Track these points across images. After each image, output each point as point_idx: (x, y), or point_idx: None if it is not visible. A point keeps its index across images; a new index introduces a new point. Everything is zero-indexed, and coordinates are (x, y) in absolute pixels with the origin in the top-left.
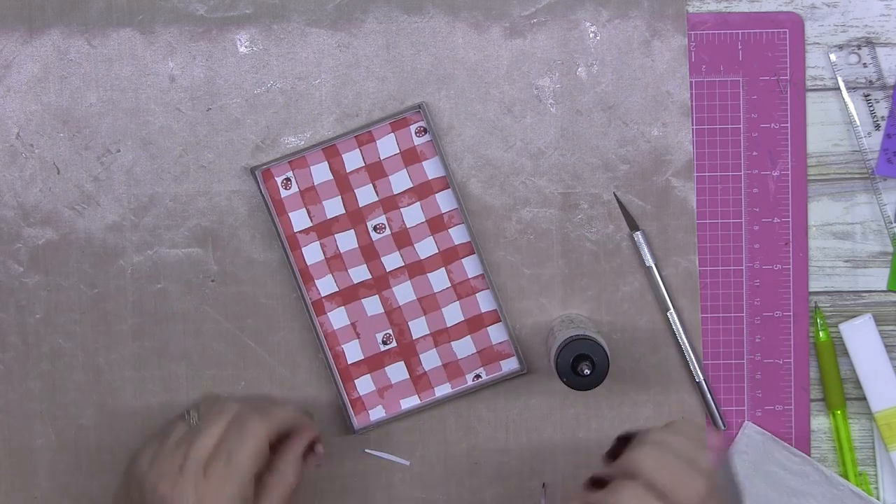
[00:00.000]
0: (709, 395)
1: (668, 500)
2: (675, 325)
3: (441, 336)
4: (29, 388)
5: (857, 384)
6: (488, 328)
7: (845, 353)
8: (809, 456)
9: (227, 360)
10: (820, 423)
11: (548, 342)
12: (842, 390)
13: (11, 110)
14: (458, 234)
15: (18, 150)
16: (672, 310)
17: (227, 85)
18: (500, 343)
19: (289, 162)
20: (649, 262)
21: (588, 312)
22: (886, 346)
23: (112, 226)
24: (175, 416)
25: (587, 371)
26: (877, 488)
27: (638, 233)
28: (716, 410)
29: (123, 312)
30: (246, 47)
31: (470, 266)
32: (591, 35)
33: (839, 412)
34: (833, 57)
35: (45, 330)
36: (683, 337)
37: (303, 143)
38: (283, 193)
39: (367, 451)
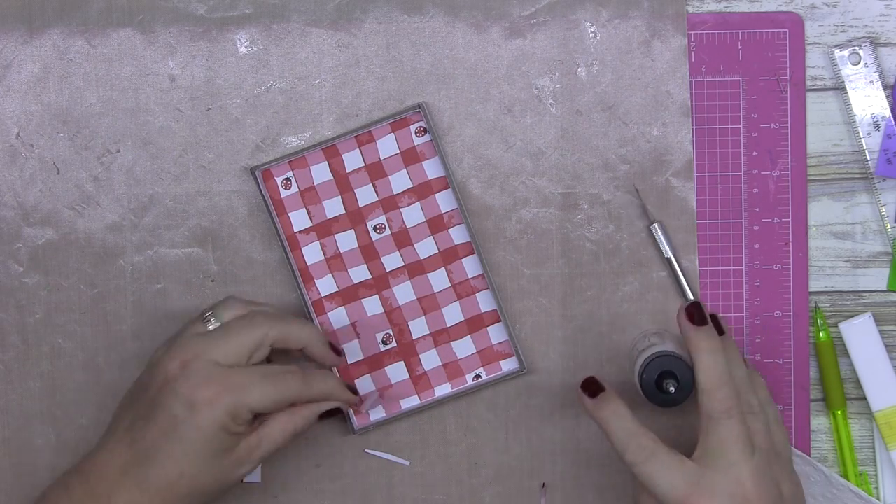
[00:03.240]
0: None
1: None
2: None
3: (441, 336)
4: (29, 388)
5: (857, 384)
6: (488, 328)
7: (845, 352)
8: (809, 456)
9: None
10: (820, 423)
11: (630, 355)
12: (842, 390)
13: (11, 110)
14: (458, 234)
15: (18, 150)
16: (691, 298)
17: (227, 85)
18: (500, 343)
19: (289, 162)
20: (668, 253)
21: (588, 312)
22: (886, 346)
23: (112, 226)
24: (195, 316)
25: (672, 388)
26: (877, 488)
27: (655, 224)
28: None
29: (123, 312)
30: (246, 47)
31: (470, 266)
32: (591, 35)
33: (839, 412)
34: (833, 57)
35: (45, 330)
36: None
37: (303, 143)
38: (283, 193)
39: (367, 451)
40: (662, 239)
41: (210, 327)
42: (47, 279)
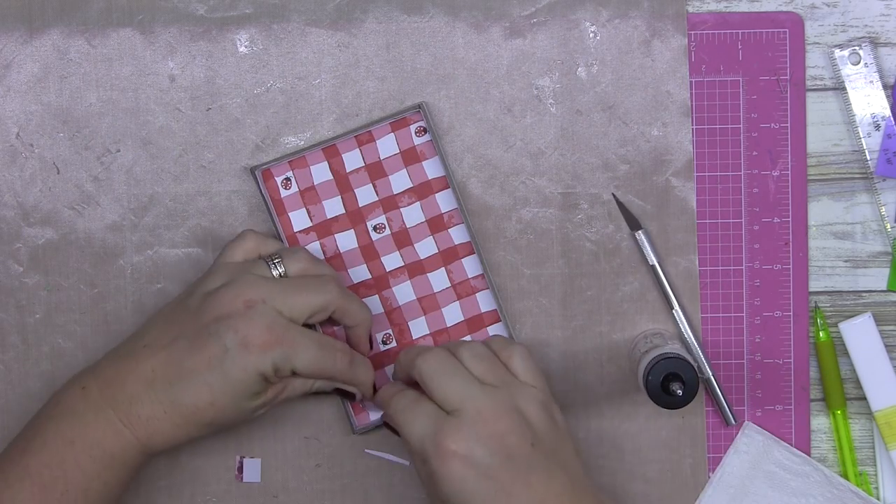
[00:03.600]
0: (718, 392)
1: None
2: (682, 322)
3: (441, 336)
4: (29, 388)
5: (857, 384)
6: (488, 328)
7: (845, 352)
8: (809, 456)
9: None
10: (820, 423)
11: (631, 355)
12: (842, 390)
13: (11, 110)
14: (457, 234)
15: (18, 150)
16: (677, 308)
17: (227, 85)
18: None
19: (288, 162)
20: (652, 260)
21: (588, 312)
22: (886, 346)
23: (112, 226)
24: (247, 246)
25: (679, 391)
26: (877, 488)
27: (639, 232)
28: (726, 406)
29: (123, 312)
30: (246, 47)
31: (470, 266)
32: (591, 35)
33: (839, 412)
34: (833, 57)
35: (45, 330)
36: (690, 334)
37: (303, 142)
38: (283, 193)
39: (367, 451)
40: (647, 247)
41: (275, 273)
42: (47, 279)
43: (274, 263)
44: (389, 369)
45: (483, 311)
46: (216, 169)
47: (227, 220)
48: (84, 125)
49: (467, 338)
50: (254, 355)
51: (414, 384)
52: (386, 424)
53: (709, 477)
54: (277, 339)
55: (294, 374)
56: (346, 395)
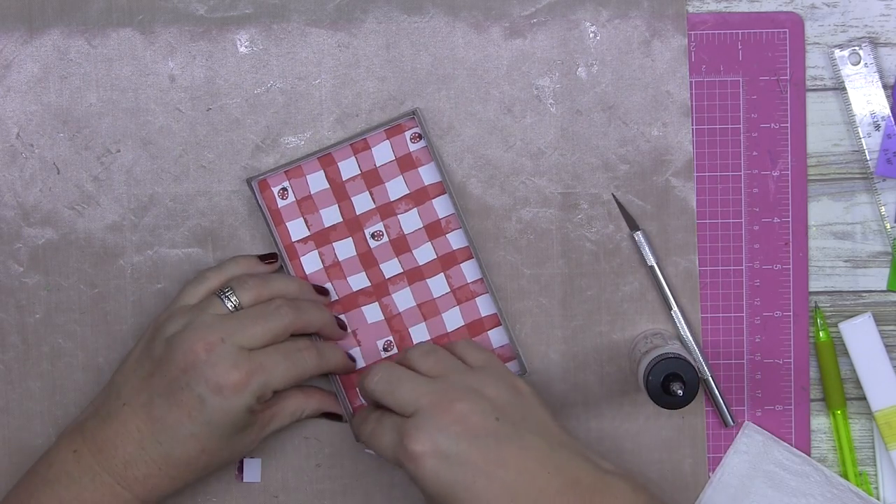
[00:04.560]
0: (717, 392)
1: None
2: (680, 323)
3: (442, 341)
4: (29, 388)
5: (857, 384)
6: (489, 332)
7: (845, 352)
8: (809, 456)
9: None
10: (820, 423)
11: (631, 355)
12: (842, 390)
13: (11, 110)
14: (455, 239)
15: (18, 150)
16: (676, 308)
17: (227, 85)
18: (501, 346)
19: (285, 172)
20: (651, 261)
21: (588, 312)
22: (886, 346)
23: (112, 226)
24: (203, 288)
25: (680, 391)
26: (877, 488)
27: (638, 232)
28: (724, 407)
29: (123, 312)
30: (246, 47)
31: (468, 270)
32: (591, 35)
33: (839, 412)
34: (833, 57)
35: (45, 330)
36: (689, 335)
37: (303, 143)
38: (280, 203)
39: (367, 451)
40: (646, 247)
41: (229, 305)
42: (47, 279)
43: (226, 296)
44: None
45: (483, 315)
46: (216, 169)
47: (227, 220)
48: (84, 125)
49: None
50: (230, 397)
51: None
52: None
53: (709, 477)
54: (247, 373)
55: (275, 392)
56: (333, 418)
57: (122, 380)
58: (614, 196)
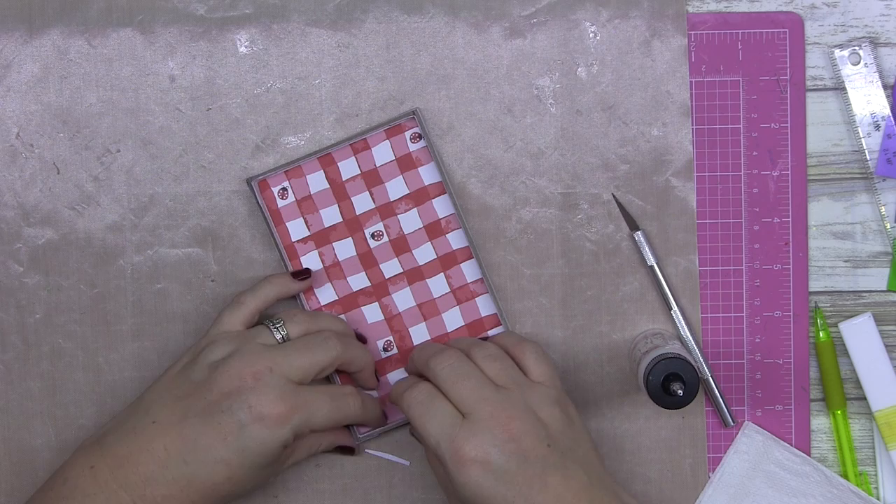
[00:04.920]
0: (717, 392)
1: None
2: (680, 323)
3: (442, 342)
4: (29, 388)
5: (857, 384)
6: (489, 332)
7: (845, 352)
8: (809, 456)
9: None
10: (820, 423)
11: (631, 355)
12: (842, 390)
13: (11, 110)
14: (455, 239)
15: (18, 150)
16: (676, 308)
17: (227, 85)
18: None
19: (284, 172)
20: (651, 261)
21: (588, 312)
22: (886, 346)
23: (112, 226)
24: (242, 314)
25: (680, 391)
26: (877, 488)
27: (638, 232)
28: (724, 407)
29: (123, 312)
30: (246, 47)
31: (469, 270)
32: (591, 35)
33: (839, 412)
34: (833, 57)
35: (45, 330)
36: (689, 335)
37: (303, 143)
38: (280, 203)
39: (367, 451)
40: (646, 247)
41: (277, 337)
42: (47, 279)
43: (276, 327)
44: (391, 376)
45: (483, 315)
46: (216, 169)
47: (227, 220)
48: (84, 125)
49: None
50: (271, 428)
51: (424, 378)
52: (412, 433)
53: (709, 477)
54: (292, 407)
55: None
56: (345, 451)
57: (153, 398)
58: (614, 196)
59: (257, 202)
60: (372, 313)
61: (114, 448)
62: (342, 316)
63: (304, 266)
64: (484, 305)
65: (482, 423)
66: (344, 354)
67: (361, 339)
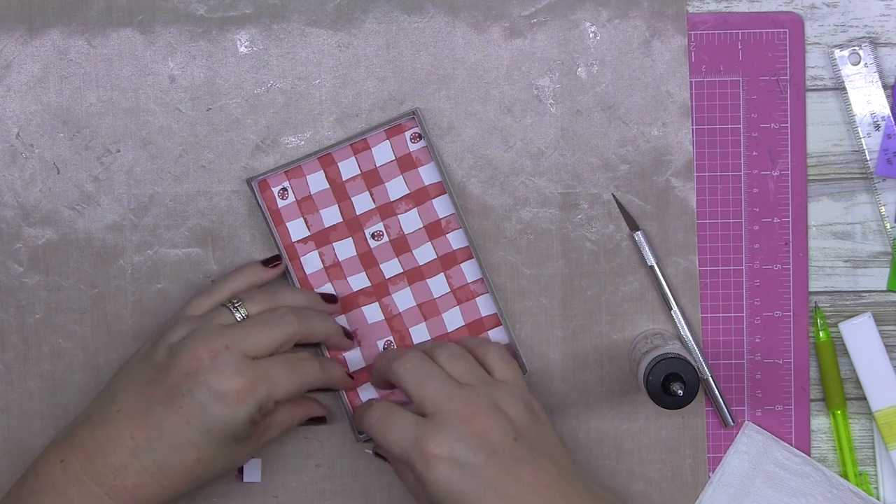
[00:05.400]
0: (717, 392)
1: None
2: (680, 323)
3: (442, 341)
4: (29, 388)
5: (857, 384)
6: (489, 332)
7: (845, 352)
8: (809, 456)
9: None
10: (820, 423)
11: (631, 355)
12: (842, 390)
13: (11, 110)
14: (456, 239)
15: (18, 150)
16: (676, 309)
17: (227, 85)
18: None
19: (285, 172)
20: (651, 261)
21: (588, 312)
22: (886, 346)
23: (112, 226)
24: (210, 300)
25: (680, 391)
26: (877, 488)
27: (638, 232)
28: (724, 407)
29: (123, 312)
30: (246, 47)
31: (469, 270)
32: (591, 35)
33: (839, 412)
34: (833, 57)
35: (45, 330)
36: (689, 335)
37: (303, 142)
38: (280, 204)
39: (367, 451)
40: (645, 247)
41: (237, 316)
42: (47, 279)
43: (235, 308)
44: None
45: (483, 315)
46: (216, 169)
47: (227, 220)
48: (84, 125)
49: None
50: (232, 405)
51: (391, 387)
52: (376, 454)
53: (709, 477)
54: (251, 381)
55: (277, 403)
56: (319, 422)
57: (118, 386)
58: (614, 196)
59: (257, 202)
60: (372, 313)
61: (83, 441)
62: (342, 316)
63: (305, 267)
64: (484, 305)
65: (447, 421)
66: (302, 327)
67: (348, 334)
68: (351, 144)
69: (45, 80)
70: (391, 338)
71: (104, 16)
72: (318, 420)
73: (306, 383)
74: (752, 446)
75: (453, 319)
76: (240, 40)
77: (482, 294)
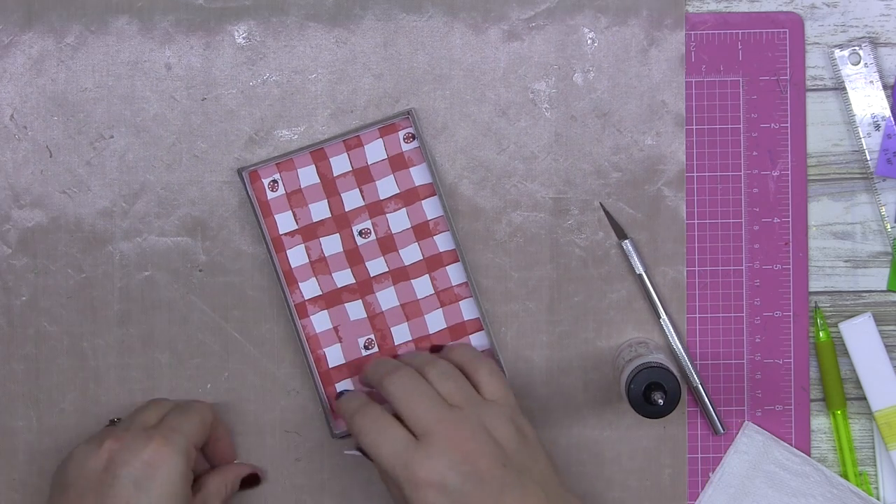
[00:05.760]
0: (706, 400)
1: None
2: (669, 331)
3: (423, 342)
4: (12, 369)
5: (857, 384)
6: (471, 336)
7: (845, 352)
8: (809, 456)
9: (212, 351)
10: (820, 423)
11: (615, 363)
12: (842, 390)
13: (7, 92)
14: (443, 242)
15: (12, 131)
16: (665, 317)
17: (223, 76)
18: (482, 351)
19: (276, 164)
20: (639, 269)
21: (574, 318)
22: (886, 346)
23: (102, 211)
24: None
25: (661, 401)
26: (877, 488)
27: (626, 241)
28: (714, 415)
29: (110, 298)
30: (243, 39)
31: (454, 274)
32: (589, 41)
33: (839, 412)
34: (833, 57)
35: (30, 313)
36: (678, 343)
37: (296, 136)
38: (270, 195)
39: (345, 451)
40: (634, 256)
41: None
42: (35, 262)
43: (114, 422)
44: None
45: (466, 319)
46: (209, 159)
47: (218, 211)
48: (79, 110)
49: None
50: (161, 467)
51: (370, 390)
52: (361, 450)
53: (687, 487)
54: (163, 437)
55: (201, 451)
56: (253, 484)
57: (67, 482)
58: (602, 205)
59: (246, 192)
60: (355, 310)
61: None
62: (325, 311)
63: (291, 260)
64: (467, 309)
65: (437, 446)
66: (179, 402)
67: (255, 477)
68: (344, 140)
69: (42, 63)
70: (372, 336)
71: (103, 2)
72: (252, 480)
73: (204, 419)
74: (752, 446)
75: (436, 321)
76: (237, 32)
77: (466, 298)
